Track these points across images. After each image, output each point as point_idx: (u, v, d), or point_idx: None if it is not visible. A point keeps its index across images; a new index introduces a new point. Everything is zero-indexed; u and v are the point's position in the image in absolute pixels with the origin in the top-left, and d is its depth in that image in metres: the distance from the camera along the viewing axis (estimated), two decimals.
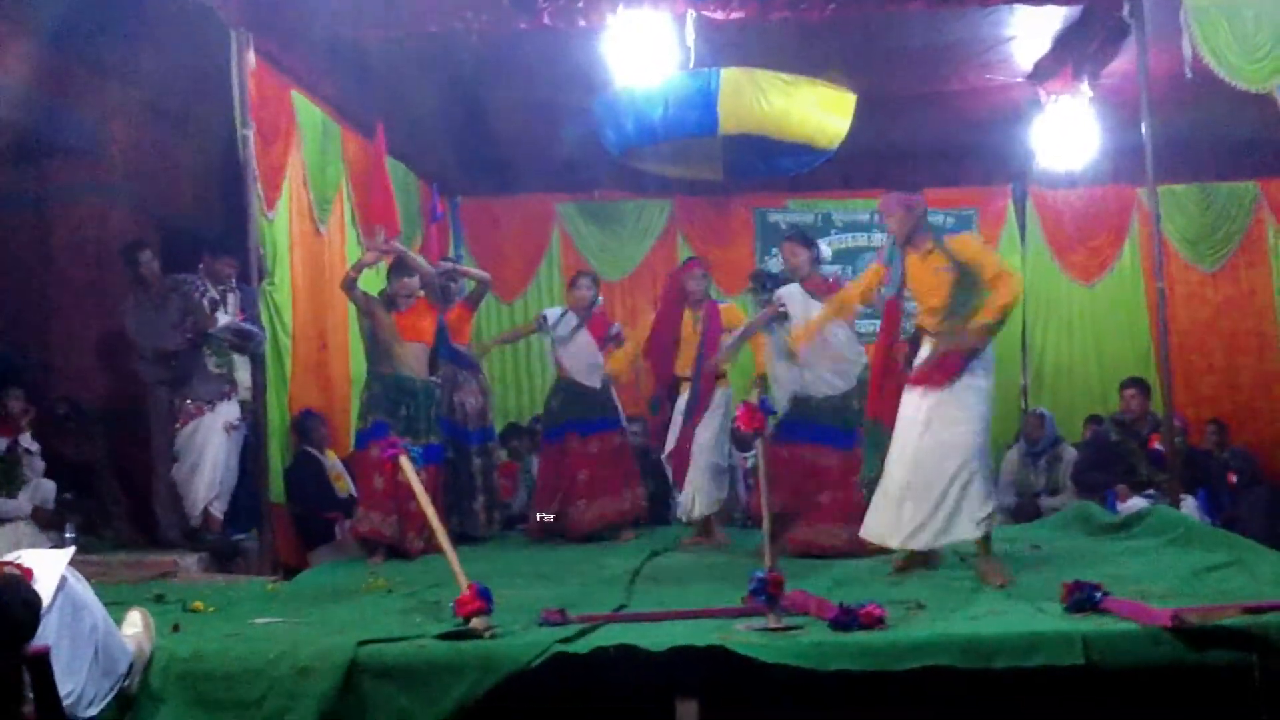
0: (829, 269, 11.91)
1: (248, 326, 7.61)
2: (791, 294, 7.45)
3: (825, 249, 9.19)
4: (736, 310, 8.42)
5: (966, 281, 5.94)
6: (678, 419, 8.07)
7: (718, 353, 7.90)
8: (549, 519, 8.40)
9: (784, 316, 7.42)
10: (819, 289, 7.38)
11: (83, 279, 8.57)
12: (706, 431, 7.99)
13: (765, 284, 7.79)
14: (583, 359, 8.52)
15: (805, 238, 7.77)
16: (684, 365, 8.12)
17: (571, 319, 8.55)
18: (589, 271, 9.27)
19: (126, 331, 7.81)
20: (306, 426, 8.45)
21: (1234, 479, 9.91)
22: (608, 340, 8.62)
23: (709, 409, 8.00)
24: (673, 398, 8.20)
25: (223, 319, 7.62)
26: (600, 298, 8.98)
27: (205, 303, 7.65)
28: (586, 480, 8.39)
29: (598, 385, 8.52)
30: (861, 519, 6.22)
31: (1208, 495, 9.45)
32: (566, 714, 4.41)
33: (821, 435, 7.29)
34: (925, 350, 6.05)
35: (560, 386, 8.65)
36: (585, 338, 8.52)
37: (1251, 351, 11.63)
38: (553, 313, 8.74)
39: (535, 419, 10.59)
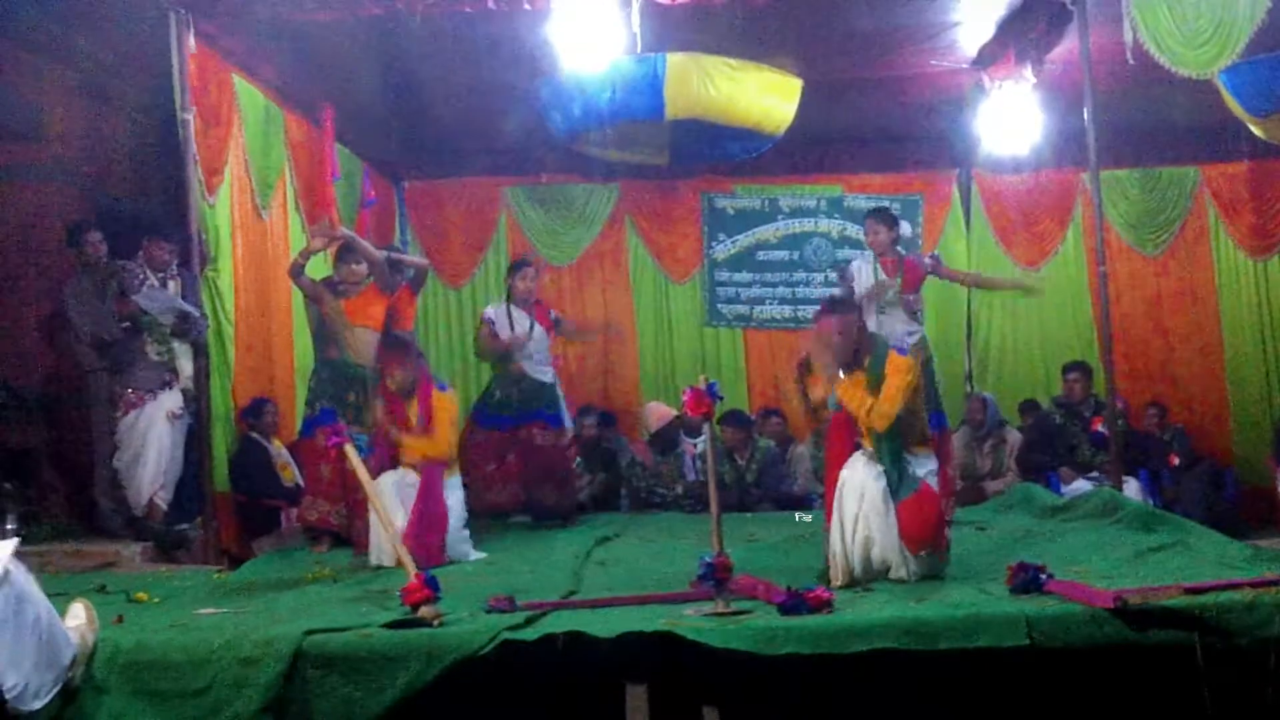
0: (777, 254, 12.02)
1: (188, 307, 7.48)
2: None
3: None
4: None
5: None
6: None
7: None
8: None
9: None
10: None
11: (19, 261, 8.42)
12: None
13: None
14: (542, 353, 8.35)
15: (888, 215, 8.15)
16: None
17: (523, 317, 8.29)
18: (529, 259, 8.95)
19: (66, 315, 7.69)
20: (260, 412, 8.37)
21: (1175, 460, 10.06)
22: (557, 331, 8.56)
23: None
24: None
25: (153, 295, 7.45)
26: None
27: (142, 289, 7.52)
28: (516, 464, 8.22)
29: (549, 380, 8.40)
30: None
31: (1149, 476, 9.57)
32: (515, 701, 4.40)
33: None
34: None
35: (510, 379, 8.30)
36: (539, 331, 8.32)
37: (1192, 334, 11.80)
38: (495, 313, 8.42)
39: None
